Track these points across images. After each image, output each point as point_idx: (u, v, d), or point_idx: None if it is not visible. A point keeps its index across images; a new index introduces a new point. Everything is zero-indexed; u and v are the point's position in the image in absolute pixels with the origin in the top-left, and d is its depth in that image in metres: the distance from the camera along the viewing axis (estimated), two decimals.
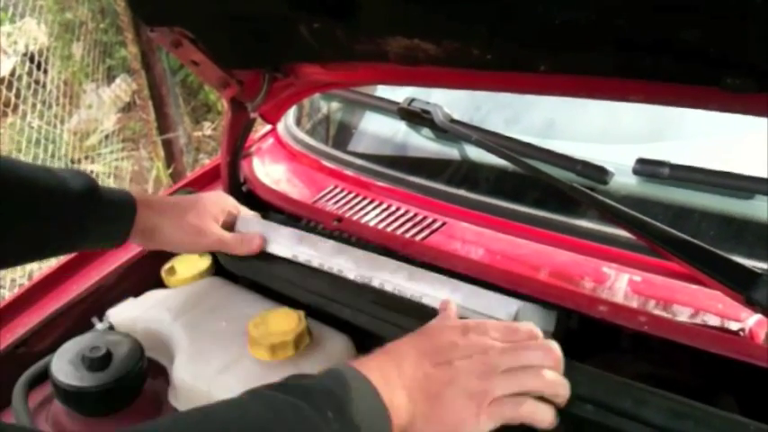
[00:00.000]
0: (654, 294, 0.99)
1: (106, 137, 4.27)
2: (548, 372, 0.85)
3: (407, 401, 0.81)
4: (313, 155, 1.45)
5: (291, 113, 1.57)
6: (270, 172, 1.45)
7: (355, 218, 1.24)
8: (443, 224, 1.19)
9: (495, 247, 1.12)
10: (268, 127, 1.57)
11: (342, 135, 1.52)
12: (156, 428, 0.73)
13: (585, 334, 1.03)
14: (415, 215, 1.22)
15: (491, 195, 1.21)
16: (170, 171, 3.88)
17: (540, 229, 1.13)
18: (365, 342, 1.16)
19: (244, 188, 1.44)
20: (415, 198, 1.26)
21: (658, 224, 0.96)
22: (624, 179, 1.12)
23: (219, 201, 1.23)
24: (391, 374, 0.82)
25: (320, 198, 1.32)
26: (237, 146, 1.38)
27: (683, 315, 0.96)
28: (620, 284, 1.01)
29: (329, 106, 1.57)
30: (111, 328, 1.25)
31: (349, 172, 1.37)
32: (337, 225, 1.21)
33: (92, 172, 4.02)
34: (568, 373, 0.92)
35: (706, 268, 0.92)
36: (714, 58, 0.74)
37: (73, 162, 4.05)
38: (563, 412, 0.91)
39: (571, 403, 0.91)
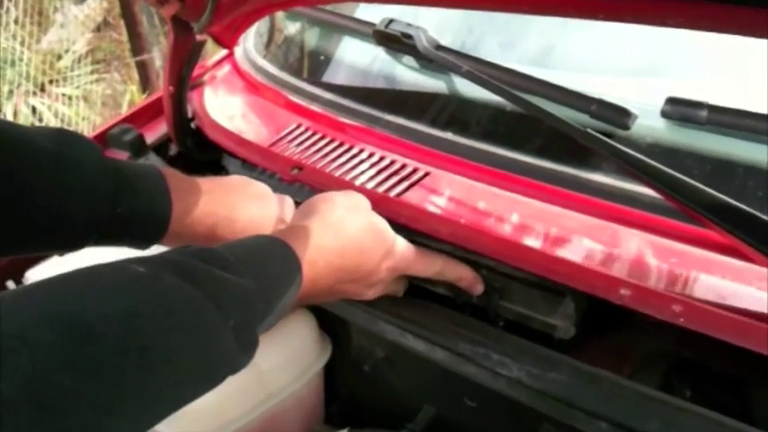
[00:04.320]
0: (687, 271, 0.78)
1: (78, 59, 4.02)
2: None
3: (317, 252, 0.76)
4: (275, 86, 1.23)
5: (251, 35, 1.34)
6: (224, 106, 1.23)
7: (319, 166, 1.02)
8: (425, 175, 0.98)
9: (487, 207, 0.91)
10: (224, 51, 1.35)
11: (308, 63, 1.29)
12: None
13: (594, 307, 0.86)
14: (392, 163, 1.01)
15: (484, 140, 0.99)
16: (145, 95, 3.65)
17: (544, 183, 0.92)
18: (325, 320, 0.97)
19: (193, 125, 1.22)
20: (391, 141, 1.04)
21: (692, 181, 0.76)
22: (650, 123, 0.90)
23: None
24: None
25: (280, 139, 1.10)
26: (183, 74, 1.16)
27: (725, 299, 0.76)
28: (645, 258, 0.81)
29: (296, 28, 1.34)
30: None
31: (315, 108, 1.15)
32: (296, 175, 1.00)
33: (63, 95, 3.81)
34: (575, 380, 0.74)
35: (753, 239, 0.73)
36: None
37: (43, 84, 3.82)
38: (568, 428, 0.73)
39: (580, 419, 0.73)
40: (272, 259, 0.70)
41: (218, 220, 0.84)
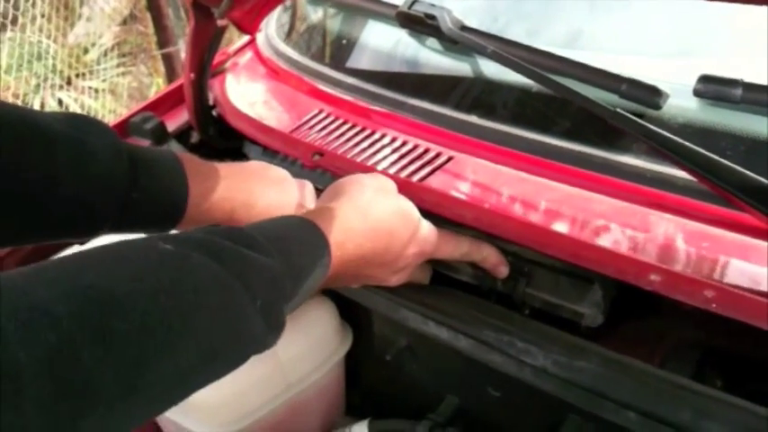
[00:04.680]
0: (720, 256, 0.75)
1: (105, 52, 4.03)
2: None
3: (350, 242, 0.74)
4: (297, 72, 1.21)
5: (273, 21, 1.32)
6: (246, 93, 1.21)
7: (341, 151, 0.99)
8: (449, 159, 0.95)
9: (513, 191, 0.88)
10: (246, 38, 1.33)
11: (331, 48, 1.27)
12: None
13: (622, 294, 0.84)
14: (415, 147, 0.98)
15: (510, 123, 0.96)
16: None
17: (572, 167, 0.89)
18: (346, 308, 0.95)
19: (214, 112, 1.20)
20: (414, 125, 1.01)
21: (726, 162, 0.72)
22: (682, 102, 0.86)
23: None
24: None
25: (301, 125, 1.08)
26: (204, 61, 1.14)
27: (759, 284, 0.72)
28: (676, 242, 0.78)
29: (317, 12, 1.31)
30: None
31: (338, 93, 1.13)
32: (318, 161, 0.98)
33: (90, 88, 3.82)
34: (604, 369, 0.72)
35: None
36: None
37: (70, 78, 3.83)
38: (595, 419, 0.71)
39: (605, 407, 0.71)
40: (300, 240, 0.68)
41: (235, 205, 0.82)
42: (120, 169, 0.74)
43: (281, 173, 0.88)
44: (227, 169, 0.83)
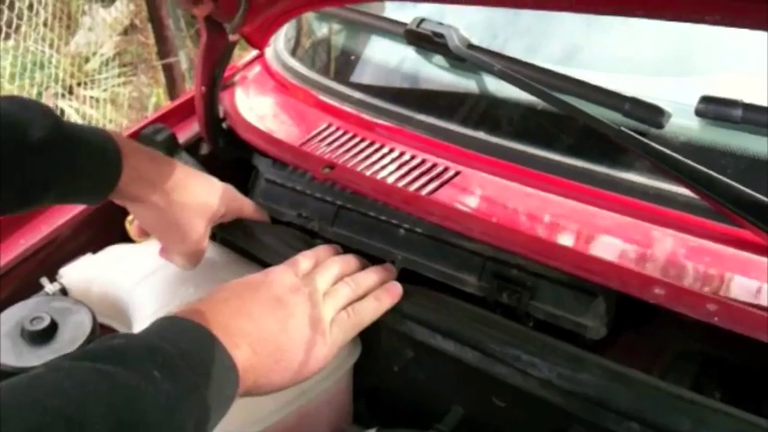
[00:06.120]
0: (722, 271, 0.77)
1: (106, 62, 4.05)
2: (357, 275, 0.89)
3: (251, 355, 0.73)
4: (305, 86, 1.23)
5: (282, 36, 1.34)
6: (254, 106, 1.23)
7: (350, 164, 1.02)
8: (457, 174, 0.97)
9: (519, 206, 0.90)
10: (255, 52, 1.35)
11: (339, 63, 1.29)
12: None
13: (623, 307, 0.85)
14: (423, 162, 1.00)
15: (516, 139, 0.99)
16: (171, 98, 3.66)
17: (577, 182, 0.91)
18: None
19: (224, 125, 1.23)
20: (423, 141, 1.04)
21: (727, 180, 0.75)
22: (684, 122, 0.89)
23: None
24: (230, 324, 0.73)
25: (311, 139, 1.10)
26: (215, 74, 1.16)
27: (760, 299, 0.75)
28: (678, 257, 0.80)
29: (326, 29, 1.34)
30: (64, 290, 1.06)
31: (346, 108, 1.15)
32: (328, 174, 1.00)
33: (91, 98, 3.84)
34: (606, 381, 0.74)
35: None
36: None
37: (71, 87, 3.85)
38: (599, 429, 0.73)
39: (607, 418, 0.73)
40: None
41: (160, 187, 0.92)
42: (61, 145, 0.83)
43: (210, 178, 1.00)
44: (161, 158, 0.95)
